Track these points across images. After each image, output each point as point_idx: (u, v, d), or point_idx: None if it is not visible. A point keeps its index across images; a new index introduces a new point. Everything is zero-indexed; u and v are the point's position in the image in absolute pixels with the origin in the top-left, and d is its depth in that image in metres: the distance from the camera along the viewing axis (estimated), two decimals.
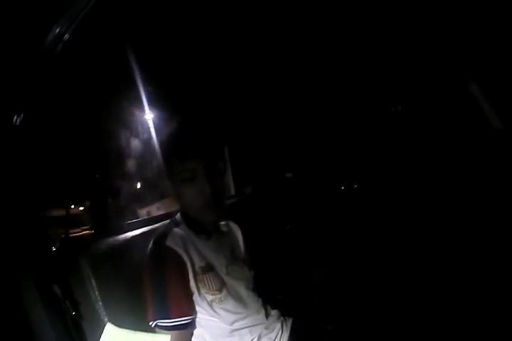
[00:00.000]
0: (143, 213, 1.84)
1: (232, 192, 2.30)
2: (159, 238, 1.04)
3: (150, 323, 0.94)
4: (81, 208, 1.55)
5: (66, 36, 1.03)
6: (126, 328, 0.83)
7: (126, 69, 1.53)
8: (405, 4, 1.78)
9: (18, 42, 0.97)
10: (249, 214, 1.82)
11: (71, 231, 1.30)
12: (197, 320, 1.02)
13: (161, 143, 1.12)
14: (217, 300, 1.03)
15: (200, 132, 1.12)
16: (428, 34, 1.90)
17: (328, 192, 2.35)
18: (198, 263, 1.04)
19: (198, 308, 1.01)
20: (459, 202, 1.79)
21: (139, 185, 1.85)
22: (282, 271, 1.58)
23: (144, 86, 1.56)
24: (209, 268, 1.05)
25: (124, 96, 1.64)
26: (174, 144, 1.08)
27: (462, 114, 1.91)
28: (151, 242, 1.03)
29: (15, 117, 0.98)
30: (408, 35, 1.98)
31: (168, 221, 1.16)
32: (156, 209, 1.84)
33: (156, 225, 1.31)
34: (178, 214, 1.15)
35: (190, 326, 0.99)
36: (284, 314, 1.20)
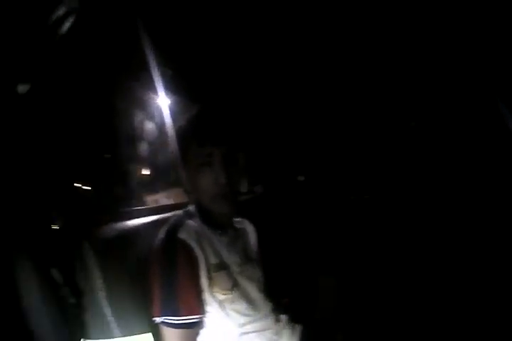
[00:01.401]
0: (151, 201, 1.75)
1: (244, 189, 2.21)
2: (172, 229, 0.97)
3: (155, 319, 0.88)
4: (88, 189, 1.46)
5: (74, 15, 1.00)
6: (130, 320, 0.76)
7: (142, 49, 1.47)
8: None
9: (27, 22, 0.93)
10: (260, 214, 1.75)
11: (77, 213, 1.23)
12: (205, 319, 0.94)
13: (179, 127, 1.06)
14: (228, 301, 0.96)
15: (221, 117, 1.07)
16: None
17: (338, 200, 2.28)
18: (212, 260, 0.97)
19: (207, 308, 0.94)
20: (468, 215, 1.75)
21: (149, 172, 1.77)
22: (292, 276, 1.49)
23: (162, 67, 1.48)
24: (222, 266, 0.98)
25: (140, 77, 1.57)
26: (193, 128, 1.03)
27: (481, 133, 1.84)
28: (163, 233, 0.97)
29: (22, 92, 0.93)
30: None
31: (180, 211, 1.08)
32: (164, 198, 1.76)
33: (166, 215, 1.23)
34: (193, 205, 1.08)
35: (198, 325, 0.92)
36: (293, 320, 1.12)
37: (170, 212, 1.25)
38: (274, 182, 2.28)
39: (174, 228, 0.97)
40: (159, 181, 1.77)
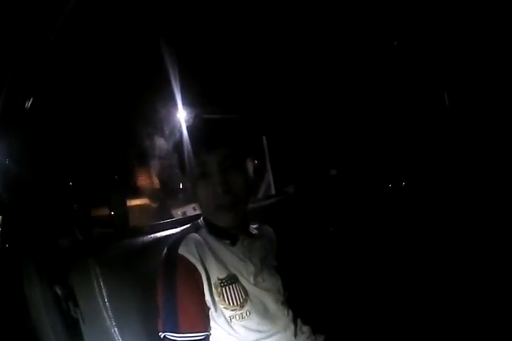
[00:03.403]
0: (178, 214, 1.78)
1: (273, 191, 2.18)
2: (172, 244, 0.94)
3: (159, 334, 0.87)
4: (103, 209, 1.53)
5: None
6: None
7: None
8: None
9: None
10: (289, 216, 1.69)
11: (90, 231, 1.28)
12: (213, 336, 0.91)
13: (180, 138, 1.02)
14: (237, 317, 0.92)
15: (214, 123, 1.01)
16: None
17: (376, 191, 2.12)
18: (217, 274, 0.93)
19: (213, 324, 0.91)
20: None
21: (178, 185, 1.79)
22: (320, 281, 1.42)
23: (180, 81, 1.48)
24: (230, 280, 0.94)
25: (155, 92, 1.58)
26: (188, 137, 0.98)
27: None
28: (165, 249, 0.95)
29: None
30: None
31: (189, 224, 1.06)
32: (192, 210, 1.77)
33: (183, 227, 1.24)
34: (202, 217, 1.05)
35: None
36: (315, 331, 1.06)
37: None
38: (305, 179, 2.21)
39: (175, 243, 0.94)
40: (184, 194, 1.79)
